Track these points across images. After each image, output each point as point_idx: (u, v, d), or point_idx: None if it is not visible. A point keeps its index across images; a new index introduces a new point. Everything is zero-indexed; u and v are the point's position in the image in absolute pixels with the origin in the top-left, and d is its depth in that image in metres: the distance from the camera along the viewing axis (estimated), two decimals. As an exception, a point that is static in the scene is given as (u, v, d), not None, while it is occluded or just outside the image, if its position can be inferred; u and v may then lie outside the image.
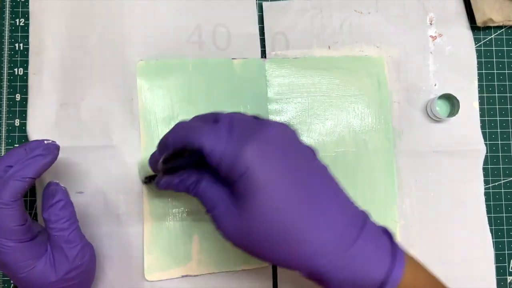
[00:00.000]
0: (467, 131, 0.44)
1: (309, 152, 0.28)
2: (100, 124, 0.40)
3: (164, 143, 0.31)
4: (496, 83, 0.46)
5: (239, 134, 0.26)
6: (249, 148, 0.25)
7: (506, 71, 0.46)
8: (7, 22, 0.42)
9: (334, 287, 0.26)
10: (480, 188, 0.44)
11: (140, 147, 0.40)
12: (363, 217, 0.27)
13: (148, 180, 0.38)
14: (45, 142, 0.33)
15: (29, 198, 0.41)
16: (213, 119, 0.28)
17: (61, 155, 0.40)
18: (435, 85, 0.44)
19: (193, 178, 0.29)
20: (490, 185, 0.44)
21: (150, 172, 0.36)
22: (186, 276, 0.39)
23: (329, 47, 0.43)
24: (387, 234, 0.28)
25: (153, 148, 0.42)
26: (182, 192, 0.30)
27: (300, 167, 0.26)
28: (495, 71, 0.46)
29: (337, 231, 0.25)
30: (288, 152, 0.26)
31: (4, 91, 0.42)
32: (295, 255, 0.25)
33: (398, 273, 0.26)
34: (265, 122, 0.27)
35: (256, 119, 0.29)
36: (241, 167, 0.24)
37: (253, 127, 0.26)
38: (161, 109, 0.41)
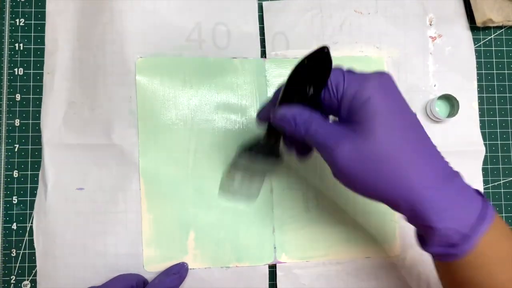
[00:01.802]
0: (466, 131, 0.44)
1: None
2: (101, 122, 0.41)
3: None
4: (495, 83, 0.46)
5: (359, 74, 0.29)
6: (371, 81, 0.28)
7: (506, 71, 0.46)
8: (7, 22, 0.42)
9: (431, 220, 0.27)
10: (480, 188, 0.44)
11: (138, 146, 0.40)
12: (456, 171, 0.30)
13: (249, 149, 0.34)
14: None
15: (29, 198, 0.41)
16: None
17: (65, 152, 0.40)
18: (434, 85, 0.44)
19: (306, 114, 0.30)
20: (490, 185, 0.44)
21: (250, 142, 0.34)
22: None
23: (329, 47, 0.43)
24: (476, 191, 0.30)
25: (152, 146, 0.42)
26: (288, 132, 0.30)
27: (409, 110, 0.29)
28: (494, 71, 0.46)
29: (437, 171, 0.28)
30: (400, 94, 0.29)
31: (4, 91, 0.42)
32: (398, 187, 0.28)
33: (491, 213, 0.28)
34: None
35: None
36: (364, 96, 0.28)
37: (369, 73, 0.29)
38: (159, 107, 0.41)
